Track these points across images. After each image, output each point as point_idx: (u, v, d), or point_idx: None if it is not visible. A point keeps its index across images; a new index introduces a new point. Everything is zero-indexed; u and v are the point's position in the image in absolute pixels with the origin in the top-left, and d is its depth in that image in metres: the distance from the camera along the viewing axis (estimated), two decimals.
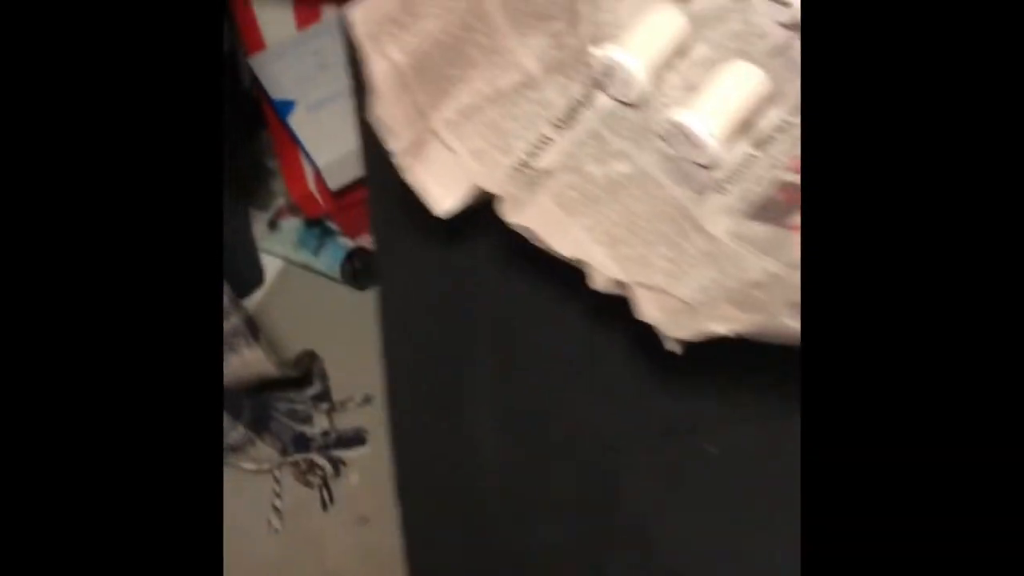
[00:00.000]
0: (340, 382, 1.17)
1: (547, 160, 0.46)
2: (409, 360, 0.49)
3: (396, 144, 0.43)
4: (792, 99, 0.45)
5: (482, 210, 0.44)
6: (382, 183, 0.53)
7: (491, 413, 0.46)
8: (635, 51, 0.45)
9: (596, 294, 0.40)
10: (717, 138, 0.43)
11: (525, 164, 0.45)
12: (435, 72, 0.44)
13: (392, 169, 0.45)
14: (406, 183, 0.43)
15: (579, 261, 0.40)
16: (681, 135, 0.44)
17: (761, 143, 0.45)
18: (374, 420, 1.13)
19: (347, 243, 1.21)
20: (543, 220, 0.42)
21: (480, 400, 0.46)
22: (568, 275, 0.43)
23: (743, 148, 0.45)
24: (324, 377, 1.16)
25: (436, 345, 0.49)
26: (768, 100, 0.45)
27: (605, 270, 0.40)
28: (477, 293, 0.48)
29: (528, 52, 0.46)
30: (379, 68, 0.42)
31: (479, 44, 0.45)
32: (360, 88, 0.56)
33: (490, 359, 0.47)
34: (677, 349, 0.37)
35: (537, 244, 0.42)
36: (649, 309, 0.38)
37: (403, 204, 0.51)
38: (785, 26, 0.47)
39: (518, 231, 0.42)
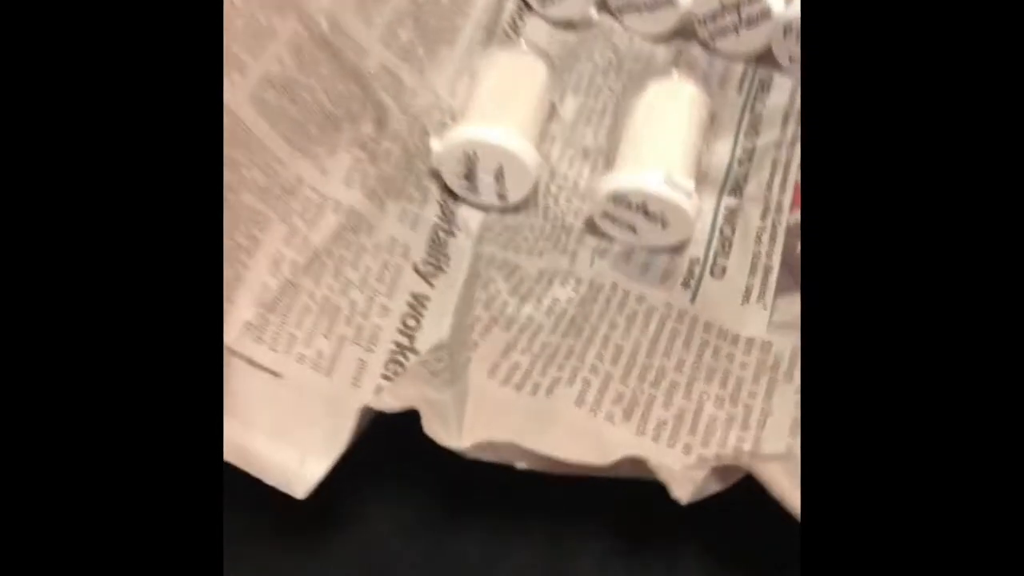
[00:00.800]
0: None
1: (440, 329, 0.27)
2: None
3: None
4: (724, 119, 0.31)
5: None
6: None
7: None
8: (498, 127, 0.28)
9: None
10: (690, 193, 0.27)
11: (409, 348, 0.26)
12: None
13: None
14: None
15: (614, 465, 0.21)
16: (630, 213, 0.27)
17: (733, 188, 0.29)
18: None
19: None
20: (505, 420, 0.23)
21: None
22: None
23: (715, 203, 0.29)
24: None
25: None
26: (710, 129, 0.30)
27: (653, 457, 0.21)
28: None
29: (333, 178, 0.28)
30: None
31: (257, 186, 0.26)
32: None
33: None
34: None
35: (514, 462, 0.22)
36: (793, 492, 0.19)
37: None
38: (664, 37, 0.33)
39: (470, 455, 0.22)
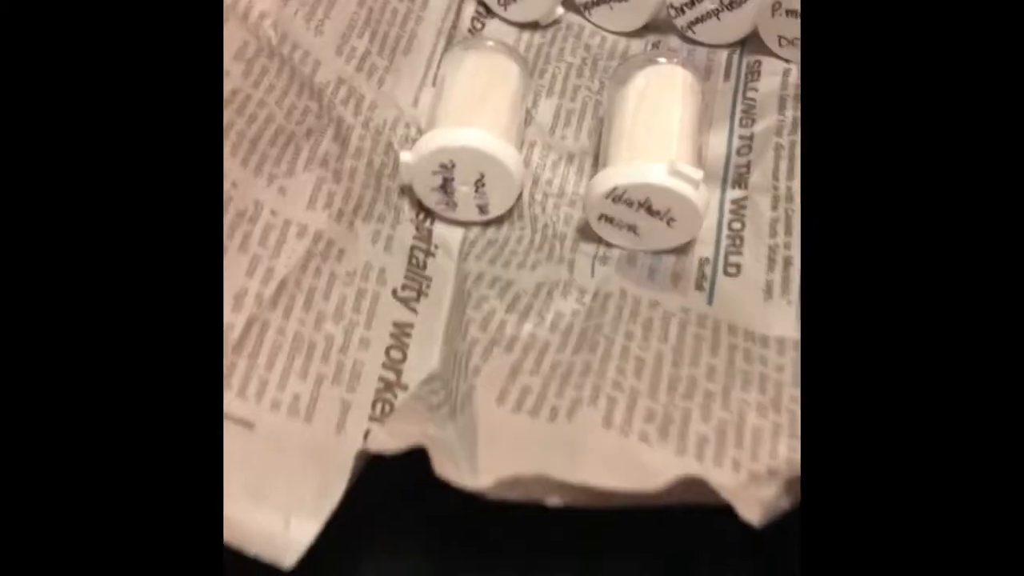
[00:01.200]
0: None
1: (429, 359, 0.23)
2: None
3: None
4: (715, 109, 0.29)
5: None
6: None
7: None
8: (475, 130, 0.25)
9: None
10: (697, 183, 0.24)
11: (397, 383, 0.23)
12: None
13: None
14: None
15: (664, 490, 0.18)
16: (631, 212, 0.25)
17: (736, 180, 0.27)
18: None
19: None
20: (525, 452, 0.19)
21: None
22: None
23: (719, 197, 0.27)
24: None
25: None
26: (705, 118, 0.27)
27: (714, 479, 0.18)
28: None
29: (295, 200, 0.25)
30: None
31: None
32: None
33: None
34: None
35: (544, 499, 0.19)
36: None
37: None
38: (637, 33, 0.31)
39: (491, 495, 0.19)
